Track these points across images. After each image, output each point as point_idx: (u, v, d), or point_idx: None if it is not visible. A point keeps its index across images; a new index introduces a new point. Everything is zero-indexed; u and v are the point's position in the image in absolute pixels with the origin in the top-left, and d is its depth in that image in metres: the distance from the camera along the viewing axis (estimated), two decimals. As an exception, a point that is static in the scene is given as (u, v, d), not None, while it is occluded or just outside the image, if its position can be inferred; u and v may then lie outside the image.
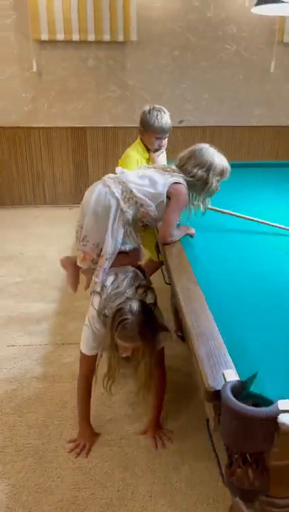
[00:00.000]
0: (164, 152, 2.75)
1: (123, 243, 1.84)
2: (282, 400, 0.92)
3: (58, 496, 1.65)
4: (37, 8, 4.19)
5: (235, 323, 1.30)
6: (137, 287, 1.69)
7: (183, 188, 1.81)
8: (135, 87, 4.63)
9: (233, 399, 0.91)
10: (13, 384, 2.21)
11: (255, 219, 2.11)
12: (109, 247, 1.78)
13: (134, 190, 1.78)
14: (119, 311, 1.53)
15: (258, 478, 0.97)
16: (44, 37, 4.31)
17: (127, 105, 4.69)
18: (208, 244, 1.93)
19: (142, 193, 1.79)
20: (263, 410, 0.89)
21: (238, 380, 0.99)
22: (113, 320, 1.54)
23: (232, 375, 1.00)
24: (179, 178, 1.82)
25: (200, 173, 1.83)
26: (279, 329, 1.31)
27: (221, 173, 1.87)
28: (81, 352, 1.80)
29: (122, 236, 1.81)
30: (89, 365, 1.78)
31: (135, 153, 2.61)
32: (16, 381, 2.23)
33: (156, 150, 2.59)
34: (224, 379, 0.99)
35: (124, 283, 1.70)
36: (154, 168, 1.95)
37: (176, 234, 1.86)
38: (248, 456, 0.96)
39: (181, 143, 4.72)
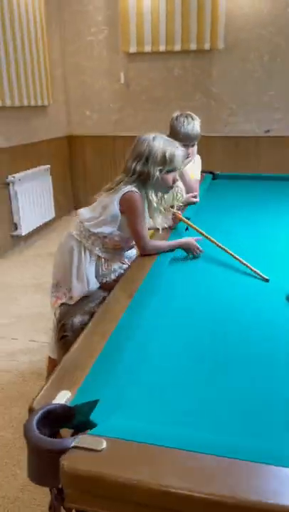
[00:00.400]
0: (196, 161, 2.61)
1: (103, 276, 1.76)
2: (83, 434, 0.80)
3: (2, 493, 1.67)
4: (128, 22, 4.36)
5: (148, 349, 1.16)
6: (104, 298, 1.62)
7: (131, 195, 1.64)
8: (220, 95, 4.49)
9: (31, 422, 0.82)
10: (16, 377, 2.31)
11: (235, 256, 1.70)
12: (77, 292, 1.70)
13: (91, 228, 1.69)
14: (62, 326, 1.49)
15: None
16: (132, 49, 4.45)
17: (212, 113, 4.56)
18: (186, 269, 1.70)
19: (99, 225, 1.68)
20: (47, 441, 0.78)
21: (63, 404, 0.89)
22: (58, 335, 1.51)
23: (62, 398, 0.90)
24: (124, 187, 1.65)
25: (139, 167, 1.64)
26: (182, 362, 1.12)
27: (163, 161, 1.63)
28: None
29: (93, 275, 1.72)
30: (51, 367, 1.77)
31: None
32: (19, 374, 2.33)
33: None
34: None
35: (93, 296, 1.65)
36: (103, 193, 1.76)
37: (156, 244, 1.74)
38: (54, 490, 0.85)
39: (268, 154, 4.45)
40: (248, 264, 1.63)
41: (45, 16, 4.22)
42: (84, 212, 1.76)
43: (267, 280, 1.55)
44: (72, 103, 4.86)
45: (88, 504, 0.78)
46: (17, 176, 3.94)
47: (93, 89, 4.76)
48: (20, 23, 3.87)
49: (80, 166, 5.03)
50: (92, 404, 0.90)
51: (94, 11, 4.52)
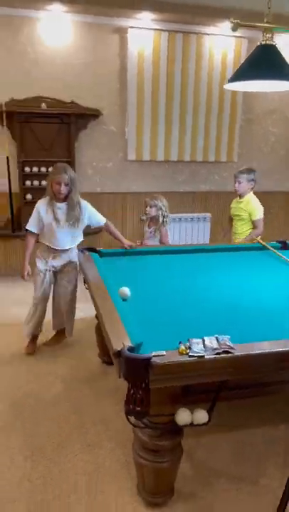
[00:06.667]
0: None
1: None
2: (154, 352, 1.67)
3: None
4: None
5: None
6: None
7: None
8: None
9: (128, 352, 1.65)
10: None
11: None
12: None
13: None
14: None
15: (142, 404, 1.68)
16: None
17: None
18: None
19: None
20: (143, 355, 1.65)
21: (131, 346, 1.72)
22: None
23: (128, 342, 1.75)
24: None
25: None
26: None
27: None
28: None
29: None
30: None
31: None
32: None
33: None
34: (123, 345, 1.71)
35: None
36: None
37: None
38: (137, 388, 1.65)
39: None
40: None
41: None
42: None
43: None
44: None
45: (169, 382, 1.62)
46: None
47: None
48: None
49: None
50: (140, 344, 1.78)
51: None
